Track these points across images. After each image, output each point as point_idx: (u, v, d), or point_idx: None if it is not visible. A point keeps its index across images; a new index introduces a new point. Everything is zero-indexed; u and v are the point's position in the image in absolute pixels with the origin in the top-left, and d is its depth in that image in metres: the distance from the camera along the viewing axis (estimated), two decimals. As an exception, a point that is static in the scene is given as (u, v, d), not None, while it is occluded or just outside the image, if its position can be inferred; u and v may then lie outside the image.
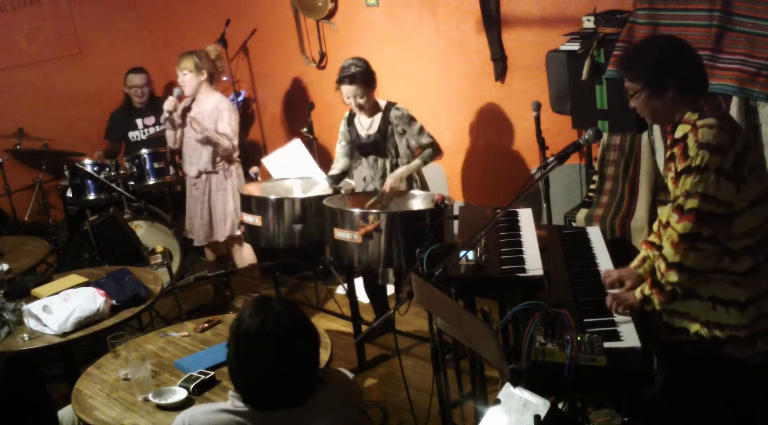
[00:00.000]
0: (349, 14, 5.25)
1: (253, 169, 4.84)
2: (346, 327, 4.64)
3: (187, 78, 4.76)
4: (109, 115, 6.03)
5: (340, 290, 5.11)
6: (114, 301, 3.43)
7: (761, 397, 2.61)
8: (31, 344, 3.23)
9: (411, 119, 4.15)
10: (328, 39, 5.45)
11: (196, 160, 4.84)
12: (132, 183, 5.23)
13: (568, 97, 3.86)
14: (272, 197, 4.20)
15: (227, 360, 2.16)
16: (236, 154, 4.88)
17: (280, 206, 4.12)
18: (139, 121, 5.92)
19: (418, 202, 4.13)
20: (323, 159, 5.30)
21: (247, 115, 6.13)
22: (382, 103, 4.20)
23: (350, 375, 2.40)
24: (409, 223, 3.66)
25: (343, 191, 4.28)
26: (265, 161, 4.96)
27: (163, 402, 2.72)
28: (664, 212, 2.60)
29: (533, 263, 2.86)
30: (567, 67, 3.80)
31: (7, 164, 5.57)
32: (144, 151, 5.26)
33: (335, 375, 2.34)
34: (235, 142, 4.77)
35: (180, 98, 4.86)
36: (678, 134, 2.52)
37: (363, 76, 4.06)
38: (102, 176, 5.05)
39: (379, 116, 4.18)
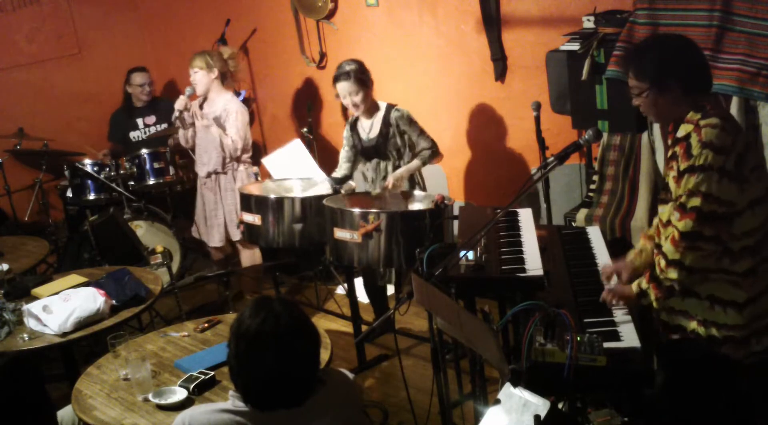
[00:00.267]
0: (349, 14, 5.25)
1: (254, 169, 4.84)
2: (346, 327, 4.64)
3: (198, 76, 4.78)
4: (110, 115, 6.04)
5: (340, 290, 5.11)
6: (114, 301, 3.43)
7: (760, 397, 2.61)
8: (31, 344, 3.23)
9: (411, 120, 4.16)
10: (328, 39, 5.45)
11: (206, 160, 4.86)
12: (132, 183, 5.23)
13: (568, 97, 3.86)
14: (272, 196, 4.20)
15: (227, 360, 2.16)
16: (247, 155, 4.88)
17: (280, 206, 4.12)
18: (139, 121, 5.93)
19: (418, 202, 4.13)
20: (323, 159, 5.30)
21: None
22: (383, 105, 4.20)
23: (350, 375, 2.40)
24: (409, 223, 3.66)
25: (343, 191, 4.28)
26: (265, 161, 4.96)
27: (163, 402, 2.72)
28: (665, 211, 2.60)
29: (533, 263, 2.86)
30: (567, 67, 3.80)
31: (7, 164, 5.57)
32: (144, 151, 5.26)
33: (335, 375, 2.34)
34: (239, 145, 4.77)
35: (192, 97, 4.88)
36: (680, 133, 2.51)
37: (357, 74, 4.09)
38: (102, 176, 5.05)
39: (379, 119, 4.19)
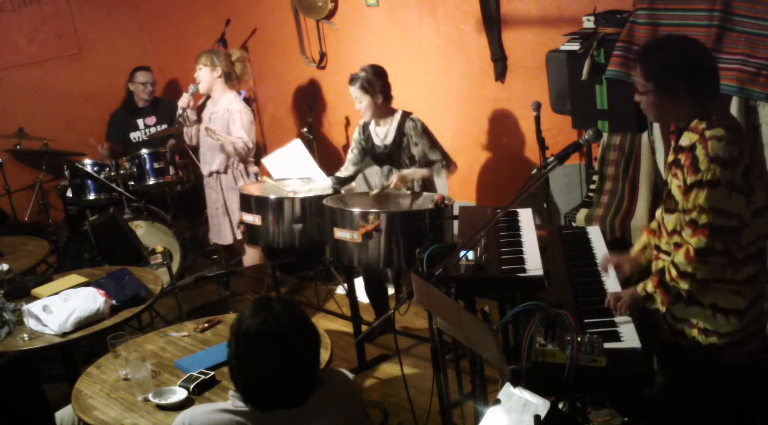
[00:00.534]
0: (349, 14, 5.25)
1: (254, 169, 4.84)
2: (346, 327, 4.63)
3: (202, 73, 4.80)
4: (109, 115, 6.03)
5: (340, 290, 5.11)
6: (114, 301, 3.43)
7: (760, 397, 2.61)
8: (31, 344, 3.23)
9: (425, 131, 4.15)
10: (328, 39, 5.45)
11: (210, 159, 4.89)
12: (132, 183, 5.24)
13: (568, 97, 3.86)
14: (272, 197, 4.20)
15: (227, 360, 2.16)
16: (252, 154, 4.89)
17: (280, 206, 4.13)
18: (140, 121, 5.93)
19: (418, 202, 4.13)
20: (323, 159, 5.30)
21: (247, 114, 6.14)
22: (398, 113, 4.20)
23: (350, 375, 2.40)
24: (409, 223, 3.66)
25: (343, 191, 4.29)
26: (265, 161, 4.96)
27: (163, 402, 2.72)
28: (670, 220, 2.58)
29: (533, 263, 2.86)
30: (567, 67, 3.80)
31: (7, 164, 5.57)
32: (144, 151, 5.26)
33: (335, 375, 2.34)
34: (251, 145, 4.78)
35: (195, 96, 4.89)
36: (684, 141, 2.49)
37: (363, 81, 4.08)
38: (102, 176, 5.06)
39: (394, 126, 4.18)
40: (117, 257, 4.35)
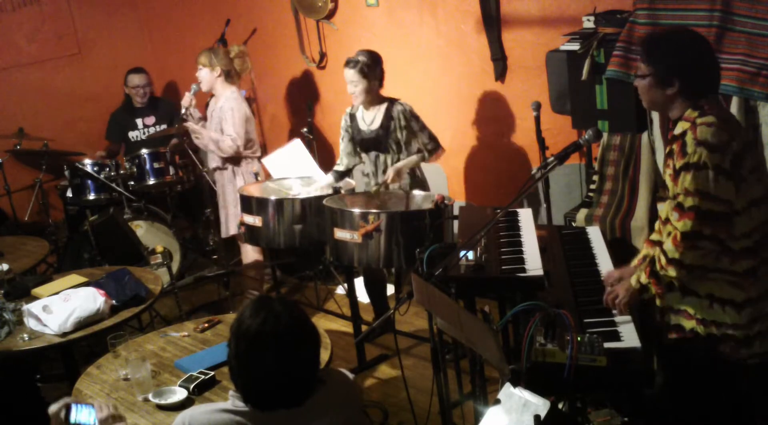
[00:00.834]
0: (349, 14, 5.25)
1: (254, 169, 4.84)
2: (346, 327, 4.64)
3: (202, 73, 4.82)
4: (109, 115, 6.04)
5: (340, 290, 5.11)
6: (114, 301, 3.43)
7: (760, 397, 2.61)
8: (31, 344, 3.23)
9: (414, 115, 4.16)
10: (328, 39, 5.45)
11: (213, 154, 4.91)
12: (132, 183, 5.23)
13: (568, 97, 3.86)
14: (272, 197, 4.20)
15: (227, 360, 2.16)
16: (250, 151, 4.85)
17: (280, 206, 4.13)
18: (139, 121, 5.93)
19: (418, 202, 4.13)
20: (323, 159, 5.30)
21: (247, 115, 6.14)
22: (386, 100, 4.21)
23: (350, 375, 2.40)
24: (409, 223, 3.66)
25: (343, 191, 4.28)
26: (265, 161, 4.96)
27: (163, 402, 2.72)
28: (663, 209, 2.60)
29: (533, 263, 2.86)
30: (567, 67, 3.80)
31: (7, 164, 5.57)
32: (144, 151, 5.26)
33: (335, 375, 2.34)
34: (240, 142, 4.74)
35: (201, 94, 4.90)
36: (677, 130, 2.52)
37: (363, 66, 4.09)
38: (102, 176, 5.06)
39: (382, 111, 4.19)
40: (117, 257, 4.35)
